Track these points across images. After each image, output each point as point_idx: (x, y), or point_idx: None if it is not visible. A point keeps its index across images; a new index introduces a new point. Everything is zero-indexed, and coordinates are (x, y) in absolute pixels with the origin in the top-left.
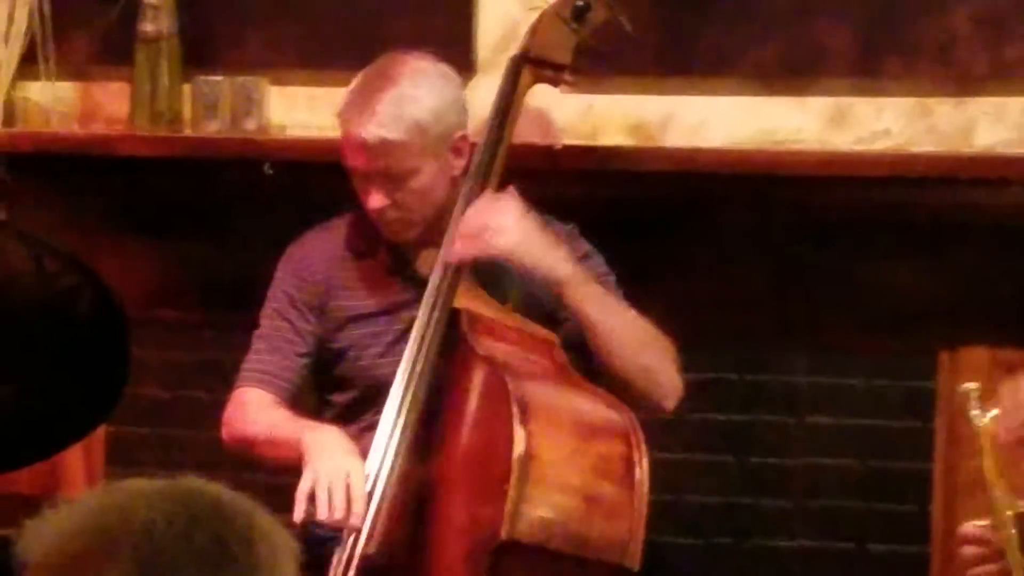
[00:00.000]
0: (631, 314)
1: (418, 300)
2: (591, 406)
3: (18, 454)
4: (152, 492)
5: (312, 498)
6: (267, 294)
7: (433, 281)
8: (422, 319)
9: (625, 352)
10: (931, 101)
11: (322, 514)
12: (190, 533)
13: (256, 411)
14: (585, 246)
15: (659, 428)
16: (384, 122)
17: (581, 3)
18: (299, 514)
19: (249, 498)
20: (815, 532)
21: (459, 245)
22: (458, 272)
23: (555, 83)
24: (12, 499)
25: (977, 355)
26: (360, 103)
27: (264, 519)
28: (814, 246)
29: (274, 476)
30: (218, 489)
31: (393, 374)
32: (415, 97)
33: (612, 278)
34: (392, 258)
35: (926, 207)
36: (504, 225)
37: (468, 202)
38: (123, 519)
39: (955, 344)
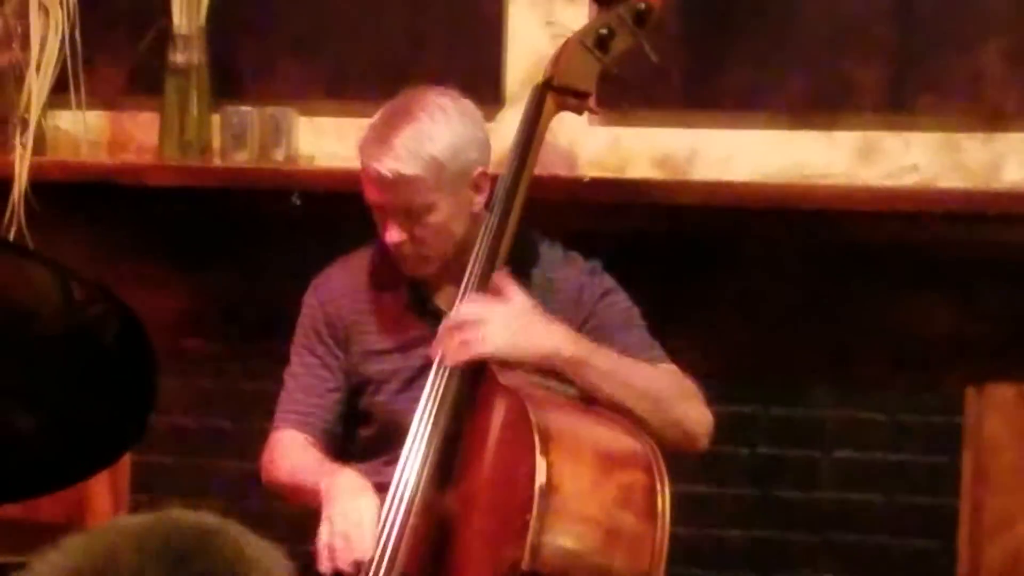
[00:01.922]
0: (645, 372)
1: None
2: (613, 436)
3: (44, 481)
4: (137, 532)
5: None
6: (295, 330)
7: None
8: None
9: (646, 414)
10: (959, 136)
11: (343, 564)
12: (178, 572)
13: (284, 455)
14: (608, 282)
15: (683, 461)
16: (401, 156)
17: (605, 31)
18: (325, 566)
19: (237, 523)
20: (840, 567)
21: (449, 354)
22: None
23: (579, 111)
24: (38, 526)
25: (1004, 391)
26: (379, 138)
27: (253, 544)
28: (841, 281)
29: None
30: (203, 520)
31: (411, 410)
32: (433, 133)
33: (635, 312)
34: (411, 293)
35: (954, 243)
36: (488, 331)
37: (491, 234)
38: (111, 564)
39: (982, 380)
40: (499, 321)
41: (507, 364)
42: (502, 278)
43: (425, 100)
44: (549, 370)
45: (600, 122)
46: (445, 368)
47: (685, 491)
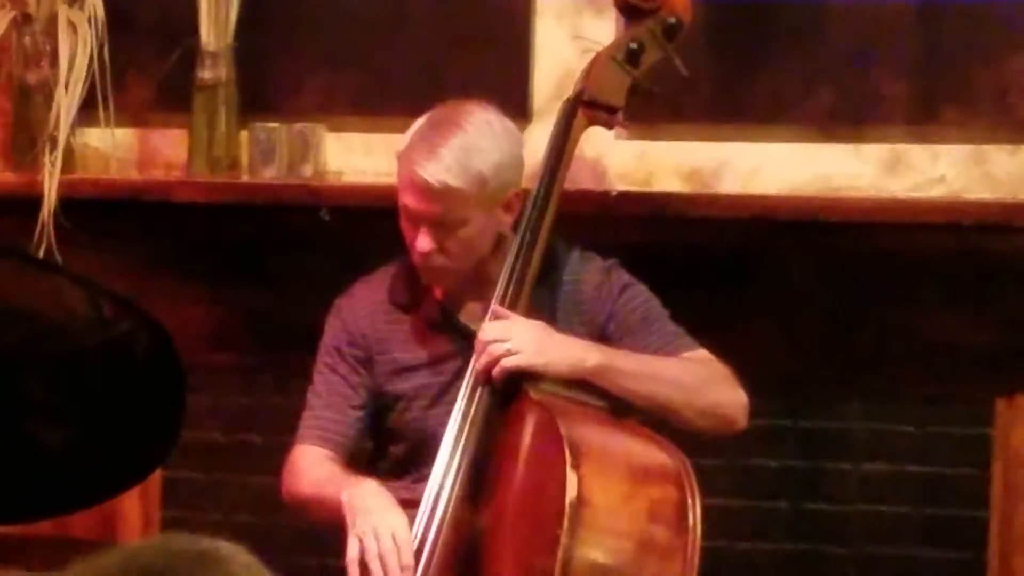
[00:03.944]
0: (672, 365)
1: (463, 351)
2: (644, 450)
3: (74, 498)
4: (120, 561)
5: (363, 565)
6: (318, 348)
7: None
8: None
9: (681, 406)
10: (987, 148)
11: None
12: None
13: (306, 470)
14: (625, 277)
15: (713, 473)
16: (451, 168)
17: (635, 45)
18: None
19: (235, 545)
20: None
21: (482, 371)
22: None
23: (609, 126)
24: (69, 542)
25: None
26: (426, 146)
27: (245, 567)
28: (869, 293)
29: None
30: (191, 545)
31: (441, 425)
32: (482, 148)
33: (656, 303)
34: (437, 310)
35: (982, 254)
36: (515, 345)
37: (523, 249)
38: None
39: (1011, 391)
40: (524, 335)
41: (537, 378)
42: (500, 310)
43: (472, 113)
44: (576, 381)
45: (626, 135)
46: (480, 386)
47: (715, 504)
